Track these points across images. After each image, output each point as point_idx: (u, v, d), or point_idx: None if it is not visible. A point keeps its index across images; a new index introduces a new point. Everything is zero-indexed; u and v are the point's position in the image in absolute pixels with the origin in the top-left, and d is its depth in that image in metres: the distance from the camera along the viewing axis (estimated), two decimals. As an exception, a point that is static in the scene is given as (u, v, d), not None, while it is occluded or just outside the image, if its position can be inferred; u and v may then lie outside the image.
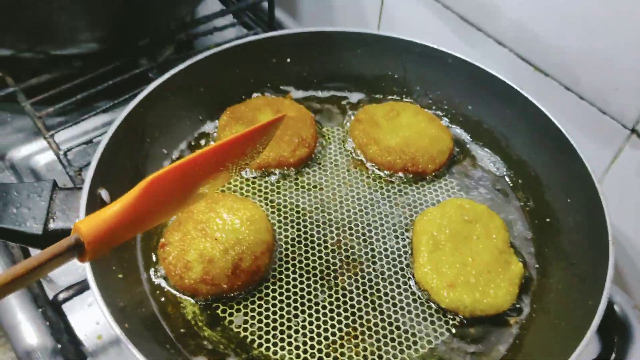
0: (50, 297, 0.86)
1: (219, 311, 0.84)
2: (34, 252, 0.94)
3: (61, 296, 0.84)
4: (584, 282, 0.83)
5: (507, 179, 1.04)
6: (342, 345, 0.81)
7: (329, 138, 1.08)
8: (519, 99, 1.03)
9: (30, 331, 0.82)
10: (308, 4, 1.64)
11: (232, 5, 1.37)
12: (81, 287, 0.85)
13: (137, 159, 0.96)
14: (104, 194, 0.84)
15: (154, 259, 0.88)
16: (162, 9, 1.18)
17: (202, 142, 1.06)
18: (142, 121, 0.96)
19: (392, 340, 0.83)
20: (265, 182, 1.00)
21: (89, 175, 0.82)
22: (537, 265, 0.92)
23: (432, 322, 0.85)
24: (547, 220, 0.96)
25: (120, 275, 0.82)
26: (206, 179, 0.73)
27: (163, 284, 0.86)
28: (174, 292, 0.85)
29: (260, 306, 0.85)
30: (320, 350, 0.81)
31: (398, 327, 0.84)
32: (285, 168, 1.01)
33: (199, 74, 1.04)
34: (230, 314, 0.84)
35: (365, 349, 0.81)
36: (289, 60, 1.13)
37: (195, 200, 0.77)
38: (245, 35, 1.31)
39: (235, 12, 1.36)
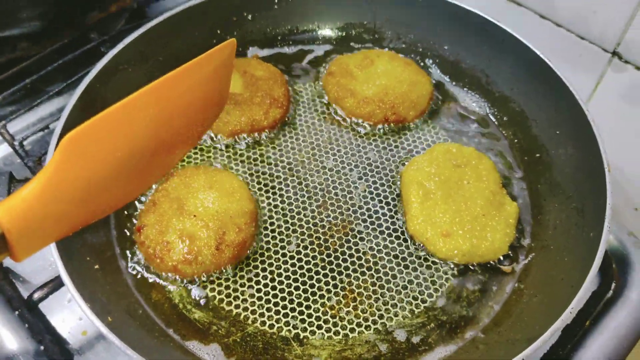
0: (25, 297, 0.80)
1: (207, 291, 0.79)
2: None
3: (36, 295, 0.78)
4: (582, 215, 0.80)
5: (491, 117, 1.00)
6: (340, 310, 0.78)
7: (302, 96, 1.02)
8: (497, 32, 0.98)
9: (8, 336, 0.77)
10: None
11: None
12: (56, 284, 0.79)
13: (99, 141, 0.89)
14: (67, 181, 0.78)
15: (131, 244, 0.83)
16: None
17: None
18: (100, 98, 0.89)
19: (392, 297, 0.79)
20: (240, 149, 0.94)
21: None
22: (531, 203, 0.89)
23: (431, 274, 0.81)
24: (537, 155, 0.92)
25: (96, 267, 0.77)
26: (158, 137, 0.56)
27: (144, 269, 0.80)
28: (157, 276, 0.80)
29: (250, 280, 0.80)
30: (318, 318, 0.77)
31: (396, 284, 0.80)
32: (259, 132, 0.95)
33: (154, 42, 0.97)
34: (220, 292, 0.79)
35: (364, 310, 0.78)
36: (250, 17, 1.06)
37: (157, 173, 0.63)
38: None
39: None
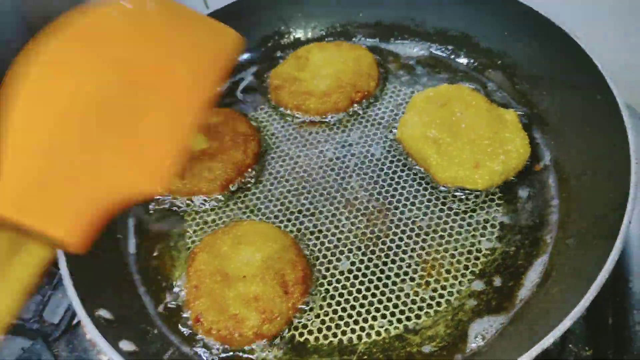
0: None
1: (298, 337, 0.74)
2: None
3: None
4: (575, 85, 0.83)
5: (438, 52, 1.02)
6: (428, 283, 0.76)
7: (262, 120, 0.99)
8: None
9: None
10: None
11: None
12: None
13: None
14: None
15: (194, 340, 0.76)
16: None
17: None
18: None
19: (463, 246, 0.78)
20: (239, 195, 0.89)
21: None
22: (521, 102, 0.92)
23: (482, 208, 0.81)
24: (499, 62, 0.96)
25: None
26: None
27: (223, 352, 0.74)
28: (242, 352, 0.74)
29: (329, 305, 0.76)
30: (414, 301, 0.74)
31: (459, 233, 0.80)
32: (246, 172, 0.91)
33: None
34: (311, 332, 0.74)
35: (449, 271, 0.76)
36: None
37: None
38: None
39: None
